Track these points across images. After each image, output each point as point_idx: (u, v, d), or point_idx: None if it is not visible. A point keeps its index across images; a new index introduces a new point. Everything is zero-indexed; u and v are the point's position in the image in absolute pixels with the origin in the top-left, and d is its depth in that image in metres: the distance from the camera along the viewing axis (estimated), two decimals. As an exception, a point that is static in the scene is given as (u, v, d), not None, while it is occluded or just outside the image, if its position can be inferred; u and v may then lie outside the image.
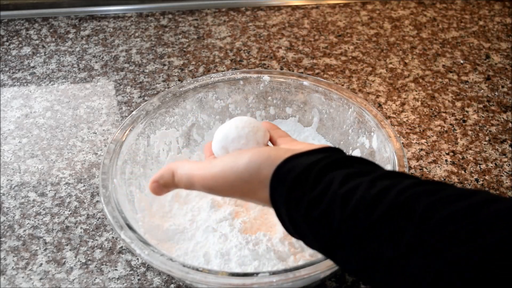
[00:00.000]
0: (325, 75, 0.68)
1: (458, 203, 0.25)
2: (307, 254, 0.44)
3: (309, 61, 0.71)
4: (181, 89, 0.53)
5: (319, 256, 0.41)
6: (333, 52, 0.73)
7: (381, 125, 0.49)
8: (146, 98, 0.64)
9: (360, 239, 0.27)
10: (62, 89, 0.66)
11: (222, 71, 0.65)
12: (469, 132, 0.60)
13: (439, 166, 0.55)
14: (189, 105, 0.54)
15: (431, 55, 0.72)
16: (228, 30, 0.76)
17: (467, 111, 0.63)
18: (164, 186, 0.37)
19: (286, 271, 0.37)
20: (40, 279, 0.46)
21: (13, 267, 0.47)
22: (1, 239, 0.49)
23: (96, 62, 0.70)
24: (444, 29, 0.77)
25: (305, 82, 0.54)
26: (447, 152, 0.57)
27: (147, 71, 0.68)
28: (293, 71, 0.69)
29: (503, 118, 0.62)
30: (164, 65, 0.69)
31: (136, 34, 0.75)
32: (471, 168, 0.55)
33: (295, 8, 0.82)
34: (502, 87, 0.66)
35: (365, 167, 0.31)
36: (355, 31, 0.77)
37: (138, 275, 0.46)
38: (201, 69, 0.68)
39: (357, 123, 0.51)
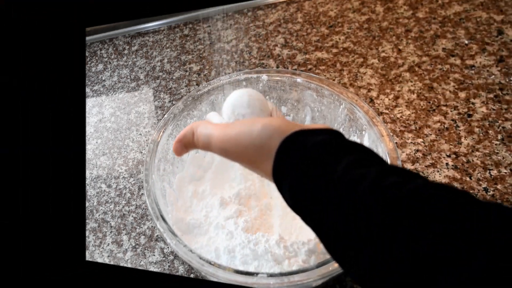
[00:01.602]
0: (317, 70, 0.65)
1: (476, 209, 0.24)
2: (300, 259, 0.44)
3: (302, 57, 0.69)
4: (198, 92, 0.56)
5: (311, 263, 0.43)
6: (324, 45, 0.70)
7: (373, 122, 0.45)
8: (173, 102, 0.72)
9: (367, 239, 0.26)
10: (120, 98, 0.77)
11: (229, 73, 0.64)
12: (476, 129, 0.49)
13: (438, 171, 0.46)
14: (204, 107, 0.57)
15: (428, 38, 0.60)
16: (233, 33, 0.79)
17: (473, 103, 0.51)
18: (185, 145, 0.37)
19: (281, 274, 0.37)
20: (108, 256, 0.52)
21: (92, 244, 0.54)
22: (86, 221, 0.58)
23: (141, 72, 0.80)
24: (445, 4, 0.64)
25: (299, 79, 0.54)
26: (448, 154, 0.48)
27: (174, 77, 0.76)
28: (287, 68, 0.69)
29: (520, 110, 0.50)
30: (186, 71, 0.76)
31: (167, 45, 0.83)
32: (479, 175, 0.45)
33: (289, 3, 0.82)
34: (519, 70, 0.52)
35: (369, 157, 0.29)
36: (346, 19, 0.73)
37: (168, 262, 0.49)
38: (213, 73, 0.75)
39: (348, 121, 0.49)
